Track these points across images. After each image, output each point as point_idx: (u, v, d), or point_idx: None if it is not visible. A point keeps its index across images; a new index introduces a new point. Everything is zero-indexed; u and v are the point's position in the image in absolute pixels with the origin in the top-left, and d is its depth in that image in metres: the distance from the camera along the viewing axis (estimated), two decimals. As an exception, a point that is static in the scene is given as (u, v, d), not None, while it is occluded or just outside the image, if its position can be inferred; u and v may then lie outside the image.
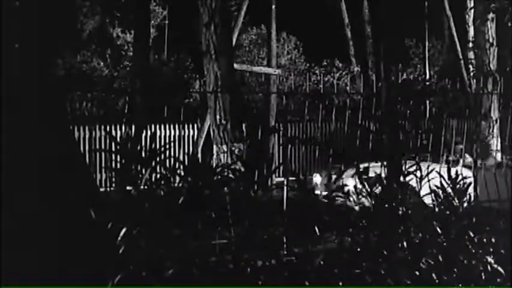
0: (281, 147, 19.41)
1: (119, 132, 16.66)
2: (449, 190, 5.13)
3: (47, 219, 4.34)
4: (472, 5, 18.80)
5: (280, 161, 18.99)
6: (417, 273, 4.75)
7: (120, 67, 23.28)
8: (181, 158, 4.69)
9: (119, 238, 4.13)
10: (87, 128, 16.70)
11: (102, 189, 5.30)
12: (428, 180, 5.25)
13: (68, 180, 4.48)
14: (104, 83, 22.11)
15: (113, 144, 4.59)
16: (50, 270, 4.29)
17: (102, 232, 4.20)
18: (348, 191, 4.91)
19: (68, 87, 17.99)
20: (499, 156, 15.64)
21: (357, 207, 4.93)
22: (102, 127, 16.90)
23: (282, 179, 5.86)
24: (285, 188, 5.18)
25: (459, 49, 20.53)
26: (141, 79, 17.98)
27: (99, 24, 23.91)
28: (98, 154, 16.09)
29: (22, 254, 4.28)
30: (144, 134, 16.14)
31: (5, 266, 4.19)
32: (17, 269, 4.28)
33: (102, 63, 23.09)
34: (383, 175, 5.14)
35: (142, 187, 4.42)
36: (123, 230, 4.16)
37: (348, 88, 25.35)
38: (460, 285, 4.83)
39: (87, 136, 16.79)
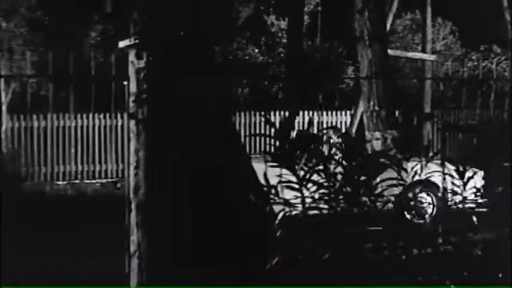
0: (438, 134, 18.97)
1: (273, 117, 16.85)
2: None
3: (207, 203, 4.45)
4: None
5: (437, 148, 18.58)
6: None
7: (274, 54, 23.49)
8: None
9: (276, 222, 4.20)
10: (243, 113, 16.98)
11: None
12: None
13: (229, 165, 4.58)
14: (259, 69, 22.40)
15: (269, 129, 4.65)
16: (210, 251, 4.41)
17: (260, 216, 4.28)
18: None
19: (227, 73, 18.41)
20: None
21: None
22: (257, 113, 17.14)
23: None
24: (442, 176, 5.07)
25: None
26: (295, 65, 18.11)
27: (253, 11, 24.22)
28: (252, 139, 16.38)
29: (183, 233, 4.42)
30: (298, 120, 16.30)
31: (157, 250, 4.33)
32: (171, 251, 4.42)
33: (256, 50, 23.39)
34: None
35: (298, 172, 4.45)
36: (280, 214, 4.22)
37: (507, 74, 24.40)
38: None
39: (242, 121, 17.07)
